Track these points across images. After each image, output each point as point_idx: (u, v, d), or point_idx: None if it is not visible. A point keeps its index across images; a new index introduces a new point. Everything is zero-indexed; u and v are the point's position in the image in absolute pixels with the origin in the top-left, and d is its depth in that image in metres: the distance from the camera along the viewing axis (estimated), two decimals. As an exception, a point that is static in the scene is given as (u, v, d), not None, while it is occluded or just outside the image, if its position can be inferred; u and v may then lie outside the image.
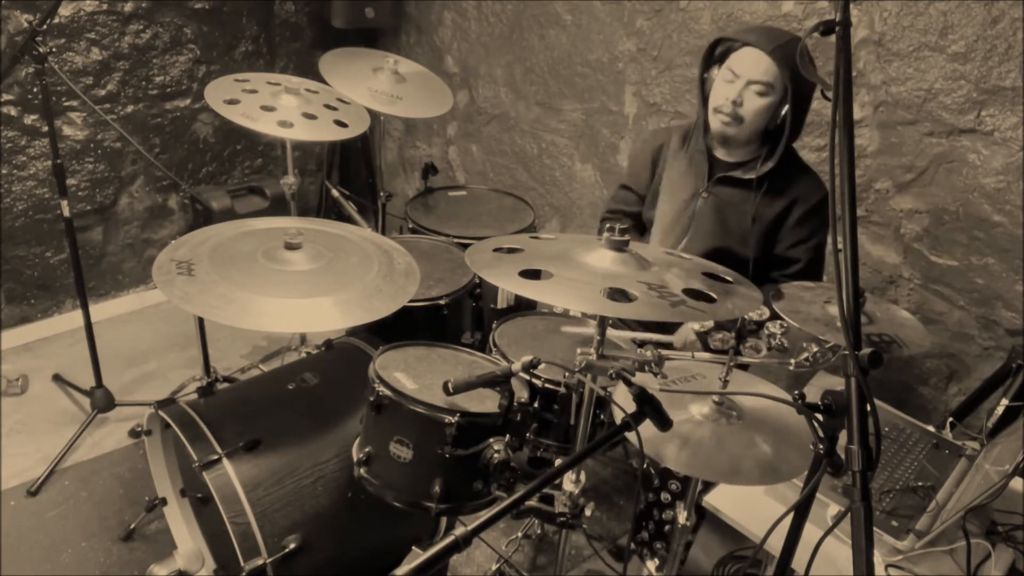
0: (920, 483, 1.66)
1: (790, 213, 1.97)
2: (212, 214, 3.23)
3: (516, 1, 3.14)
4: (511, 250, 1.47)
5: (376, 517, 1.77)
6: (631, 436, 1.20)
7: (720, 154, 2.03)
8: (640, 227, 2.26)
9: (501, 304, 2.31)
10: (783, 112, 1.88)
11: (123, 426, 2.64)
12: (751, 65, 1.86)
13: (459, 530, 0.97)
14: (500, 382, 1.42)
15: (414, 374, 1.57)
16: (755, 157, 1.98)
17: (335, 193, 2.80)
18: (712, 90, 1.96)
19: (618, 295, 1.27)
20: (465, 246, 2.45)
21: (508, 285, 1.29)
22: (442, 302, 2.11)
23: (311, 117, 2.26)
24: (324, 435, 1.76)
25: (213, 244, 1.72)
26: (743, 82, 1.87)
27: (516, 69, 3.24)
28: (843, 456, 0.90)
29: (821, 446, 1.00)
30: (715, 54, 1.97)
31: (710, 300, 1.33)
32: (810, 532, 1.07)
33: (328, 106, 2.35)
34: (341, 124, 2.30)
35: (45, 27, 2.11)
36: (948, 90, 2.09)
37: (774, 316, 1.57)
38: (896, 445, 1.79)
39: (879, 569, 1.49)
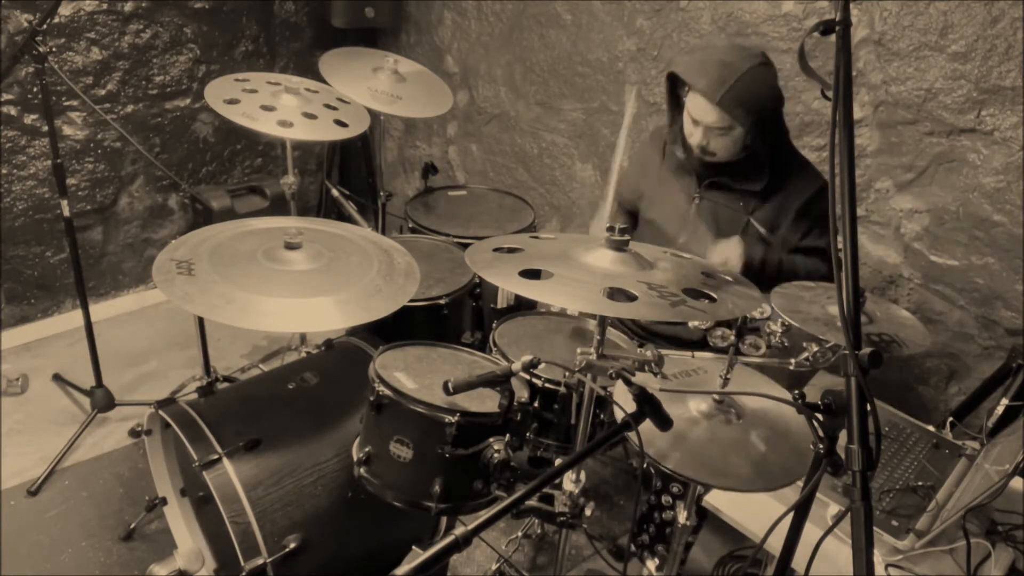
0: (920, 483, 1.66)
1: (782, 219, 1.97)
2: (212, 214, 3.23)
3: (516, 1, 3.14)
4: (511, 250, 1.47)
5: (376, 517, 1.77)
6: (631, 436, 1.20)
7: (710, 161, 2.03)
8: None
9: (501, 304, 2.31)
10: (750, 138, 1.89)
11: (123, 426, 2.64)
12: (704, 113, 1.87)
13: (459, 530, 0.97)
14: (500, 382, 1.42)
15: (414, 374, 1.57)
16: (744, 160, 1.97)
17: (335, 193, 2.80)
18: (684, 122, 1.97)
19: (618, 295, 1.27)
20: (465, 246, 2.46)
21: (508, 285, 1.29)
22: (442, 302, 2.11)
23: (311, 117, 2.26)
24: (324, 435, 1.76)
25: (213, 244, 1.72)
26: (703, 127, 1.90)
27: (516, 69, 3.24)
28: (843, 456, 0.90)
29: (821, 446, 1.00)
30: (677, 79, 1.97)
31: (710, 300, 1.33)
32: (810, 532, 1.07)
33: (328, 106, 2.34)
34: (341, 124, 2.30)
35: (45, 27, 2.11)
36: (948, 90, 2.09)
37: (774, 315, 1.57)
38: (896, 445, 1.79)
39: (879, 569, 1.49)
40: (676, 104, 2.03)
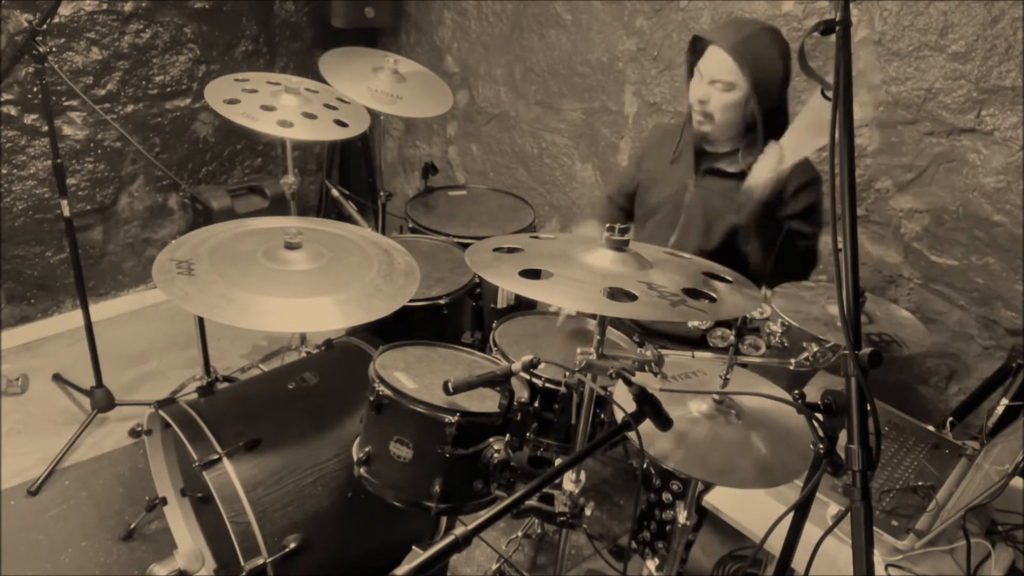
0: (920, 483, 1.66)
1: (780, 192, 1.92)
2: (212, 214, 3.23)
3: (516, 1, 3.14)
4: (511, 250, 1.47)
5: (376, 517, 1.77)
6: (631, 435, 1.20)
7: (706, 147, 2.05)
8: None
9: (501, 304, 2.31)
10: (751, 107, 1.89)
11: (123, 426, 2.64)
12: (714, 64, 1.89)
13: (459, 530, 0.97)
14: (500, 382, 1.42)
15: (414, 374, 1.57)
16: (738, 149, 1.99)
17: (335, 193, 2.80)
18: (691, 85, 2.00)
19: (619, 295, 1.27)
20: (465, 246, 2.46)
21: (508, 285, 1.29)
22: (442, 302, 2.11)
23: (311, 117, 2.26)
24: (324, 435, 1.76)
25: (213, 244, 1.72)
26: (707, 81, 1.91)
27: (516, 69, 3.24)
28: (843, 456, 0.90)
29: (821, 446, 1.00)
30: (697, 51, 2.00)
31: (711, 300, 1.32)
32: (810, 532, 1.07)
33: (328, 106, 2.34)
34: (341, 124, 2.30)
35: (45, 27, 2.11)
36: (948, 90, 2.09)
37: (774, 315, 1.57)
38: (896, 445, 1.79)
39: (879, 569, 1.49)
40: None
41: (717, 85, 1.89)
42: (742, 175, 1.95)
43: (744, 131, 1.97)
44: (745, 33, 1.86)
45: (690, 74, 2.02)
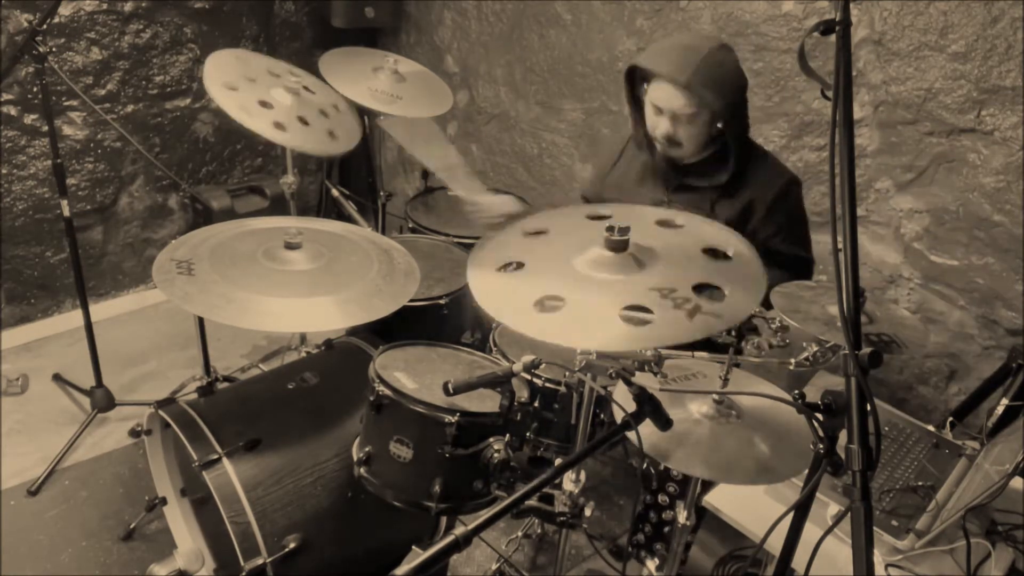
0: (920, 483, 1.66)
1: (750, 215, 1.89)
2: (212, 214, 3.23)
3: (516, 1, 3.14)
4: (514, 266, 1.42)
5: (376, 517, 1.77)
6: (631, 435, 1.20)
7: (675, 163, 1.96)
8: None
9: (501, 304, 2.30)
10: (719, 124, 1.82)
11: (123, 426, 2.64)
12: (670, 99, 1.79)
13: (459, 529, 0.97)
14: (501, 383, 1.42)
15: (414, 374, 1.57)
16: (708, 157, 1.92)
17: (335, 193, 2.80)
18: (646, 116, 1.91)
19: (637, 311, 1.20)
20: (465, 246, 2.46)
21: (518, 324, 1.25)
22: (442, 302, 2.11)
23: (305, 123, 2.22)
24: (324, 435, 1.76)
25: (213, 244, 1.73)
26: (669, 115, 1.82)
27: (516, 69, 3.24)
28: (843, 456, 0.90)
29: (821, 446, 1.00)
30: (637, 75, 1.90)
31: (719, 291, 1.27)
32: (810, 532, 1.07)
33: (323, 113, 2.31)
34: (332, 135, 2.26)
35: (45, 27, 2.11)
36: (948, 90, 2.09)
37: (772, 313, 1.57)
38: (896, 445, 1.79)
39: (879, 569, 1.49)
40: (638, 107, 1.95)
41: (681, 117, 1.81)
42: (719, 187, 1.89)
43: (709, 140, 1.89)
44: (695, 63, 1.74)
45: (633, 101, 1.93)
